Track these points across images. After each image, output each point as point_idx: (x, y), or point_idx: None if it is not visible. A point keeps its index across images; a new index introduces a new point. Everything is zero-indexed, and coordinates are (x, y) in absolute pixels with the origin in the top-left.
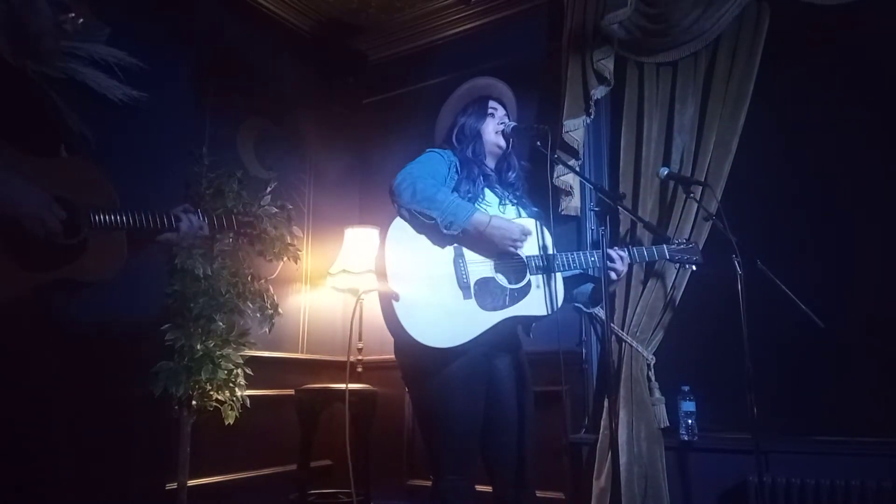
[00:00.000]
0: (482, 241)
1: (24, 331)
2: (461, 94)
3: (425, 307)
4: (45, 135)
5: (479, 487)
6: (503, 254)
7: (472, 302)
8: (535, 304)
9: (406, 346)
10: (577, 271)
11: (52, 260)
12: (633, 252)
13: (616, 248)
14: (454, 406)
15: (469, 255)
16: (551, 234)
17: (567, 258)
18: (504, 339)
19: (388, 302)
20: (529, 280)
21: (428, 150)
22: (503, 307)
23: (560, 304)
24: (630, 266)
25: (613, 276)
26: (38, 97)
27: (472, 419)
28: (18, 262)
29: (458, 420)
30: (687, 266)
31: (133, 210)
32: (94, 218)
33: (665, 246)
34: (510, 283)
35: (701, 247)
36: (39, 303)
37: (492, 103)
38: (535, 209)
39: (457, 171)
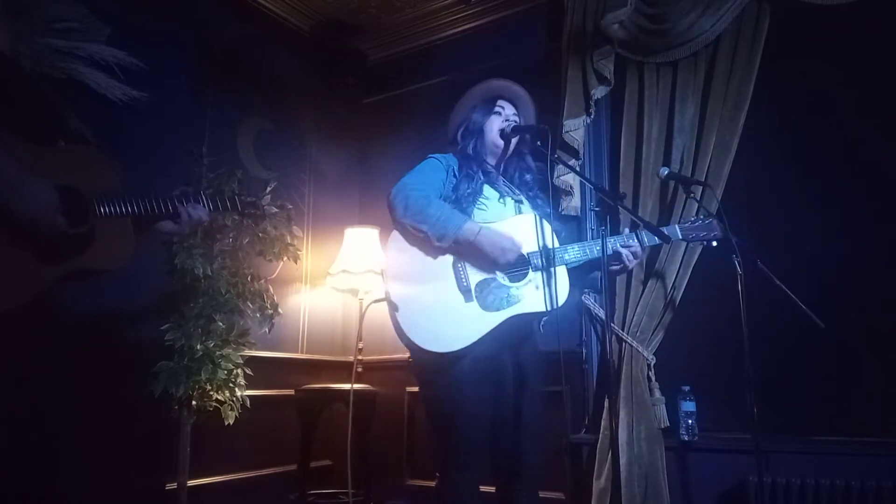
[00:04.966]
0: (475, 252)
1: (43, 328)
2: (476, 92)
3: (426, 314)
4: (44, 124)
5: (482, 488)
6: (498, 265)
7: (474, 304)
8: (538, 300)
9: (416, 348)
10: (583, 259)
11: (65, 251)
12: (643, 237)
13: (623, 236)
14: (463, 404)
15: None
16: (553, 230)
17: (570, 251)
18: (513, 337)
19: (392, 312)
20: (531, 277)
21: (429, 155)
22: (506, 306)
23: (566, 296)
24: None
25: (628, 263)
26: (34, 88)
27: (480, 417)
28: (37, 256)
29: (466, 418)
30: (705, 244)
31: (136, 197)
32: (99, 206)
33: (677, 226)
34: (511, 281)
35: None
36: (56, 297)
37: (500, 102)
38: (548, 210)
39: (455, 175)
